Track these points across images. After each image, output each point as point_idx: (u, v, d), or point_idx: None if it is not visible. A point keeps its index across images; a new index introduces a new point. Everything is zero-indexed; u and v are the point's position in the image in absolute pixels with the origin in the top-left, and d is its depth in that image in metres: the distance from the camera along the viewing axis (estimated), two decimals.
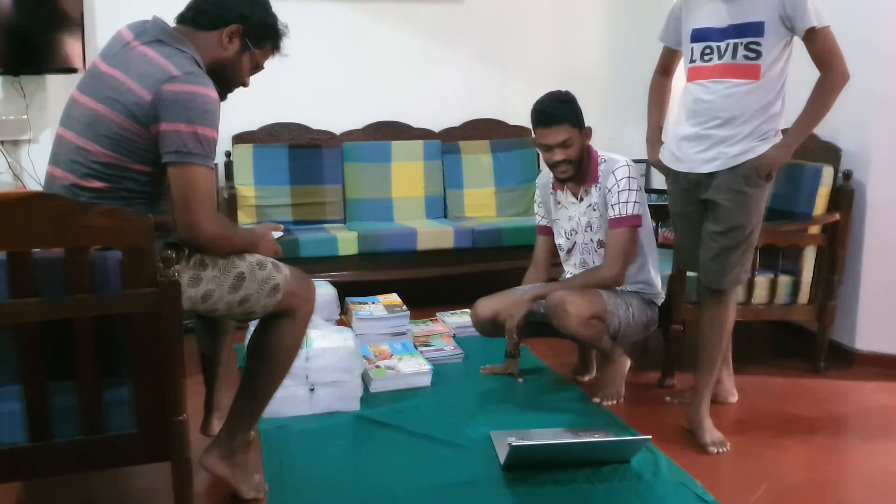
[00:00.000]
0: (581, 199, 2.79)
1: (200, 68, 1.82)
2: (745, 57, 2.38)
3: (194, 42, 1.86)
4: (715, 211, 2.48)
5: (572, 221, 2.82)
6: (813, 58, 2.37)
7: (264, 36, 1.98)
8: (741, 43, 2.39)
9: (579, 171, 2.74)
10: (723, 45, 2.42)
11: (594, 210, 2.78)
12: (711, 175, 2.46)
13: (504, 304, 2.80)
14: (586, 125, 2.72)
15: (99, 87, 1.79)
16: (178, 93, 1.72)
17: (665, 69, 2.72)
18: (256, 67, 2.01)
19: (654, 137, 2.72)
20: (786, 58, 2.41)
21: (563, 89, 2.74)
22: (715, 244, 2.47)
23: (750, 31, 2.38)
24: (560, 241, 2.89)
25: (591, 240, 2.82)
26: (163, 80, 1.73)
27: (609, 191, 2.71)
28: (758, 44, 2.37)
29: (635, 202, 2.72)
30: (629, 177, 2.71)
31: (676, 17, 2.60)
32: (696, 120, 2.48)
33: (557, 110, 2.66)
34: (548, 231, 2.94)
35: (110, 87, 1.77)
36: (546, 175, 2.90)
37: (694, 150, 2.49)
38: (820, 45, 2.34)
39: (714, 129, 2.44)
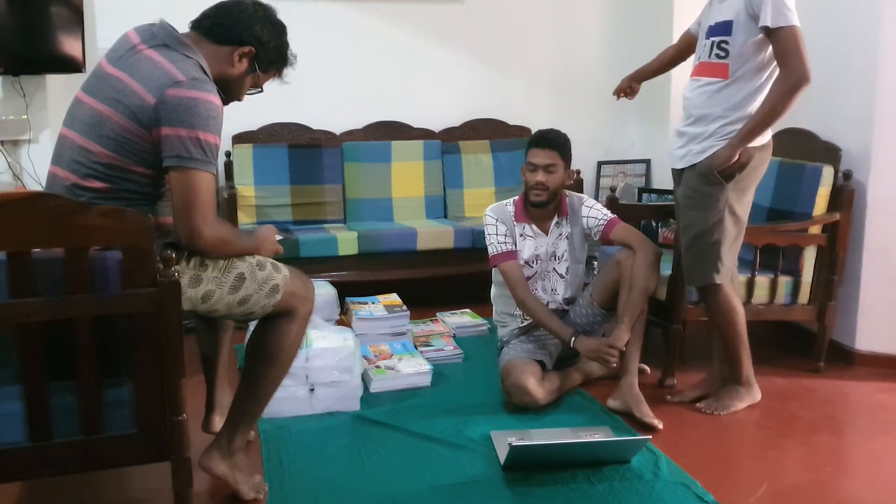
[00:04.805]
0: (548, 232, 2.88)
1: (206, 75, 1.82)
2: (717, 56, 2.44)
3: (203, 50, 1.86)
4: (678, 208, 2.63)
5: (538, 251, 2.87)
6: (775, 57, 2.38)
7: (274, 63, 1.99)
8: (715, 42, 2.44)
9: (549, 205, 2.83)
10: (707, 42, 2.49)
11: (567, 239, 2.88)
12: (682, 171, 2.59)
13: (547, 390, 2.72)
14: (572, 170, 2.88)
15: (103, 88, 1.79)
16: (181, 98, 1.72)
17: (678, 47, 2.86)
18: (255, 87, 2.02)
19: (635, 75, 2.94)
20: (760, 58, 2.40)
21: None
22: (681, 243, 2.62)
23: (721, 30, 2.43)
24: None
25: (554, 269, 2.89)
26: (167, 85, 1.73)
27: (587, 217, 2.87)
28: (726, 42, 2.40)
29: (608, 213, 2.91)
30: (595, 202, 2.93)
31: (703, 12, 2.68)
32: (682, 116, 2.61)
33: (556, 138, 2.81)
34: (515, 256, 2.86)
35: (115, 88, 1.77)
36: (498, 211, 2.89)
37: (675, 145, 2.63)
38: (779, 45, 2.34)
39: (688, 127, 2.57)
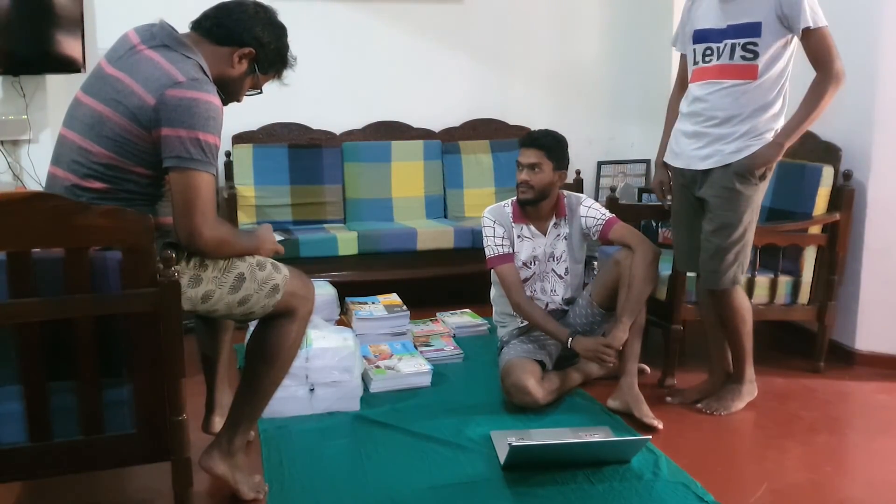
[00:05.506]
0: (546, 233, 2.88)
1: (206, 76, 1.82)
2: (743, 57, 2.40)
3: (202, 51, 1.85)
4: (708, 209, 2.53)
5: (536, 252, 2.87)
6: (809, 58, 2.38)
7: (274, 64, 1.99)
8: (738, 43, 2.41)
9: (539, 204, 2.83)
10: (721, 45, 2.45)
11: (565, 240, 2.88)
12: (707, 173, 2.51)
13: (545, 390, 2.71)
14: (565, 171, 2.85)
15: (103, 88, 1.79)
16: (181, 98, 1.72)
17: (683, 82, 2.70)
18: (255, 88, 2.01)
19: (662, 160, 2.77)
20: (786, 57, 2.41)
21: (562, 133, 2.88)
22: (709, 244, 2.53)
23: (747, 31, 2.39)
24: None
25: (553, 269, 2.89)
26: (167, 85, 1.72)
27: (586, 216, 2.85)
28: (755, 44, 2.38)
29: (607, 212, 2.89)
30: (593, 202, 2.91)
31: (684, 20, 2.62)
32: (695, 119, 2.53)
33: (542, 138, 2.82)
34: (512, 258, 2.86)
35: (115, 89, 1.76)
36: (496, 213, 2.89)
37: (691, 146, 2.54)
38: (815, 45, 2.35)
39: (711, 128, 2.48)
